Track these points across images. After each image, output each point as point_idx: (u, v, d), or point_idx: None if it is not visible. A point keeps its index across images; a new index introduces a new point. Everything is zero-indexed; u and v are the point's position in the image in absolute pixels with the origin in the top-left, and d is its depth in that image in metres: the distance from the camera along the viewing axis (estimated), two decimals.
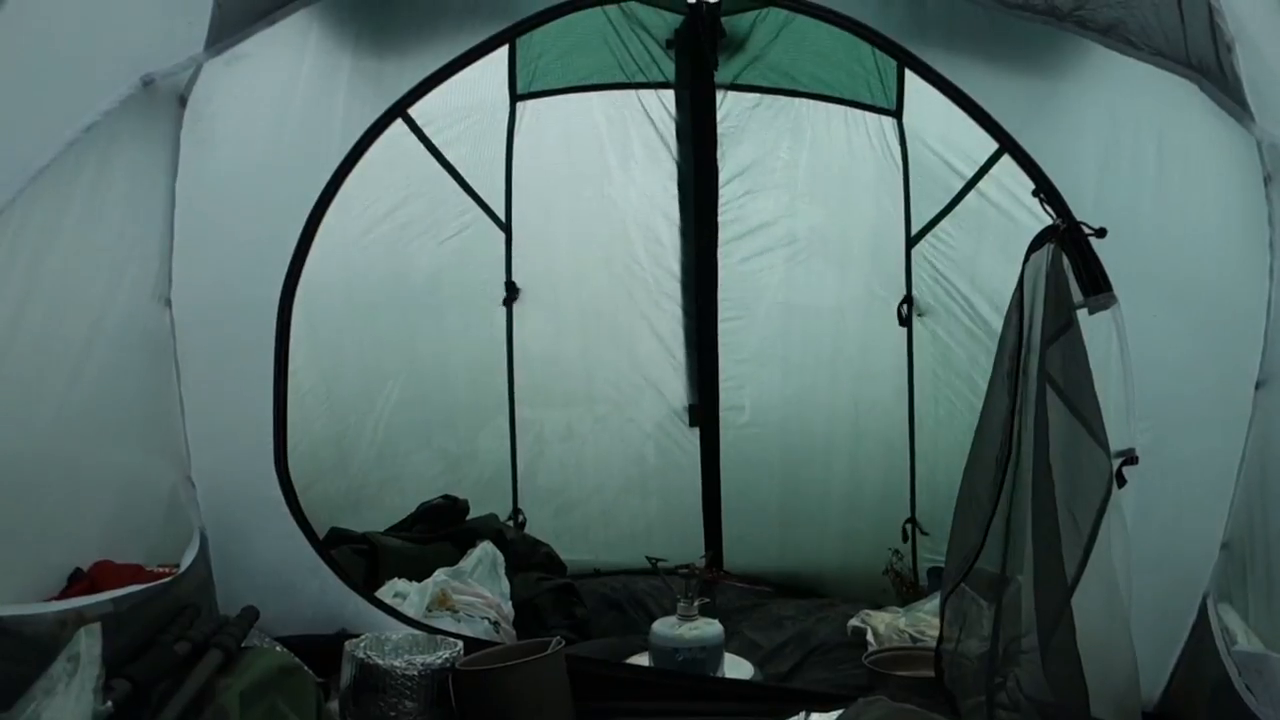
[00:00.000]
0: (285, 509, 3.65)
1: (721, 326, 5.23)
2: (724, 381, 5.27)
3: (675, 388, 5.33)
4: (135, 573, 3.16)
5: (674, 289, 5.26)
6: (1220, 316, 3.14)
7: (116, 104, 2.75)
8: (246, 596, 3.51)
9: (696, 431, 5.33)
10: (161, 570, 3.25)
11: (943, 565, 3.77)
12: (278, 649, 3.30)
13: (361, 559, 4.21)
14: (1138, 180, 3.19)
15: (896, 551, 5.13)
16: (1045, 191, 3.17)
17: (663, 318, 5.28)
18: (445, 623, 3.77)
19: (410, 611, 3.76)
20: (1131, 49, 2.76)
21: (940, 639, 3.53)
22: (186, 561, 3.35)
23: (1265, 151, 2.86)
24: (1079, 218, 3.01)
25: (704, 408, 5.29)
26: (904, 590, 4.98)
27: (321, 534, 4.07)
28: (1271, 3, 2.73)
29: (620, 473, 5.38)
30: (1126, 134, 3.21)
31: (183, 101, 3.30)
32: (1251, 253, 3.00)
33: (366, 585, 3.94)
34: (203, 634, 3.04)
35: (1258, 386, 3.07)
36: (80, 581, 3.03)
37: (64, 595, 2.93)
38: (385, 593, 3.92)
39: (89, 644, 2.49)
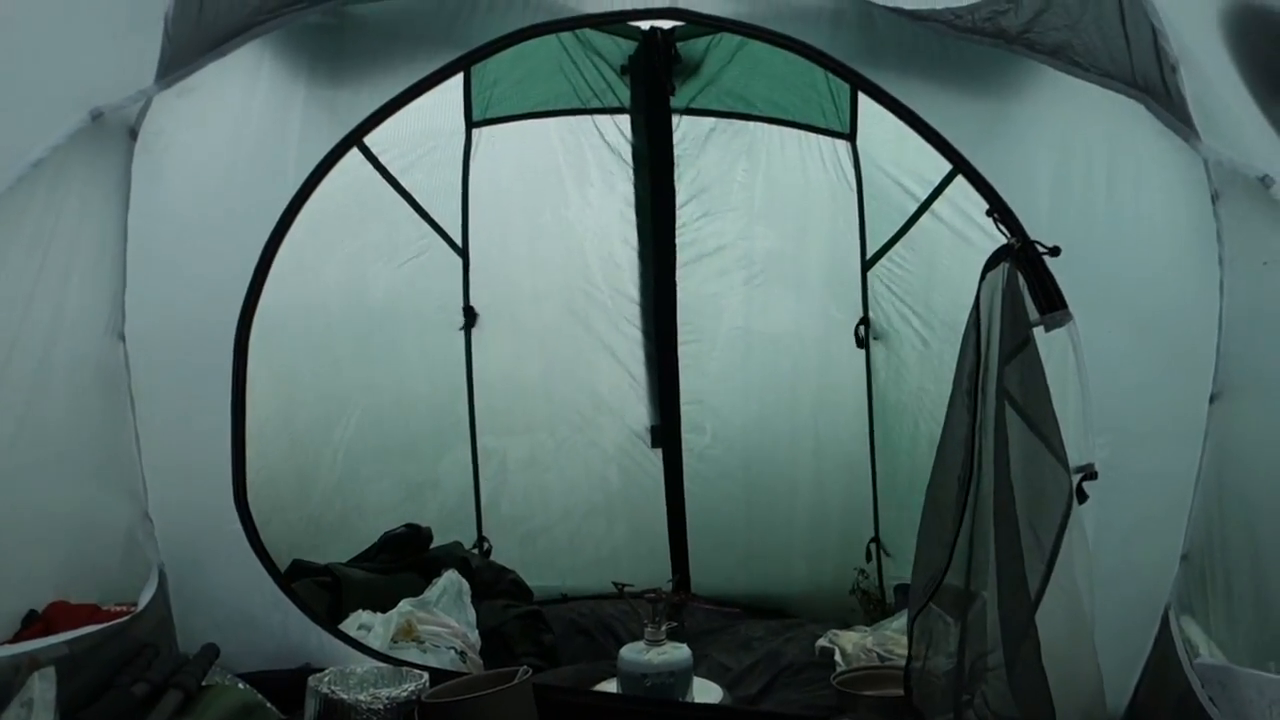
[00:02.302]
0: (245, 543, 3.60)
1: (681, 349, 5.25)
2: (685, 404, 5.29)
3: (636, 410, 5.33)
4: (91, 613, 3.12)
5: (633, 312, 5.27)
6: (1174, 331, 3.18)
7: (65, 139, 2.73)
8: (207, 633, 3.48)
9: (659, 453, 5.33)
10: (118, 609, 3.21)
11: (909, 582, 3.78)
12: (240, 686, 3.27)
13: (324, 591, 4.17)
14: (1089, 198, 3.23)
15: (862, 570, 5.14)
16: (999, 211, 3.20)
17: (622, 341, 5.28)
18: (411, 654, 3.73)
19: (375, 643, 3.72)
20: (1079, 70, 2.82)
21: (908, 658, 3.54)
22: (144, 600, 3.31)
23: (1212, 169, 2.92)
24: (1033, 237, 3.04)
25: (665, 429, 5.30)
26: (871, 609, 4.99)
27: (283, 567, 4.02)
28: (1212, 25, 2.79)
29: (584, 497, 5.36)
30: (1077, 153, 3.25)
31: (133, 134, 3.27)
32: (1202, 268, 3.05)
33: (330, 617, 3.90)
34: (161, 674, 3.00)
35: (1212, 400, 3.11)
36: (35, 624, 2.98)
37: (18, 639, 2.88)
38: (349, 625, 3.88)
39: (43, 689, 2.45)
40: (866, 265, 5.10)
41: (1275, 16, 2.78)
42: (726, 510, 5.33)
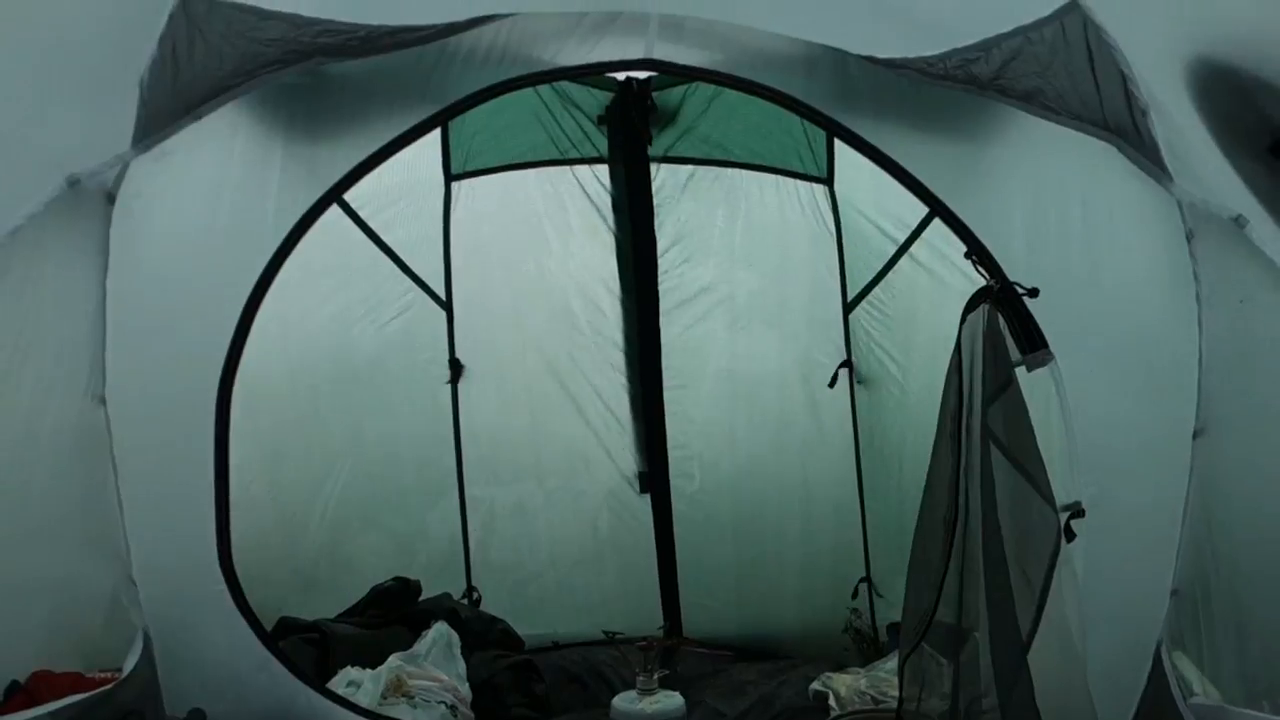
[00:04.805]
0: (230, 603, 3.55)
1: (667, 395, 5.24)
2: (672, 449, 5.27)
3: (624, 456, 5.32)
4: (75, 681, 3.07)
5: (618, 359, 5.27)
6: (1155, 368, 3.21)
7: (42, 206, 2.73)
8: (194, 696, 3.43)
9: (648, 499, 5.31)
10: (103, 676, 3.16)
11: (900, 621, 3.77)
12: None
13: (312, 648, 4.12)
14: (1066, 240, 3.26)
15: (855, 609, 5.11)
16: (977, 253, 3.22)
17: (608, 387, 5.28)
18: (401, 710, 3.71)
19: (364, 700, 3.68)
20: (1051, 114, 2.86)
21: (900, 700, 3.52)
22: (129, 665, 3.26)
23: (1185, 210, 2.95)
24: (1011, 278, 3.06)
25: (654, 474, 5.28)
26: (865, 648, 4.96)
27: (270, 625, 3.98)
28: (1177, 73, 2.84)
29: (574, 545, 5.34)
30: (1052, 196, 3.29)
31: (111, 199, 3.25)
32: (1180, 306, 3.09)
33: (318, 675, 3.86)
34: None
35: (1195, 435, 3.14)
36: (17, 695, 2.94)
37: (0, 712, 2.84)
38: (338, 682, 3.84)
39: None
40: (848, 308, 5.12)
41: (1235, 73, 2.83)
42: (716, 551, 5.31)
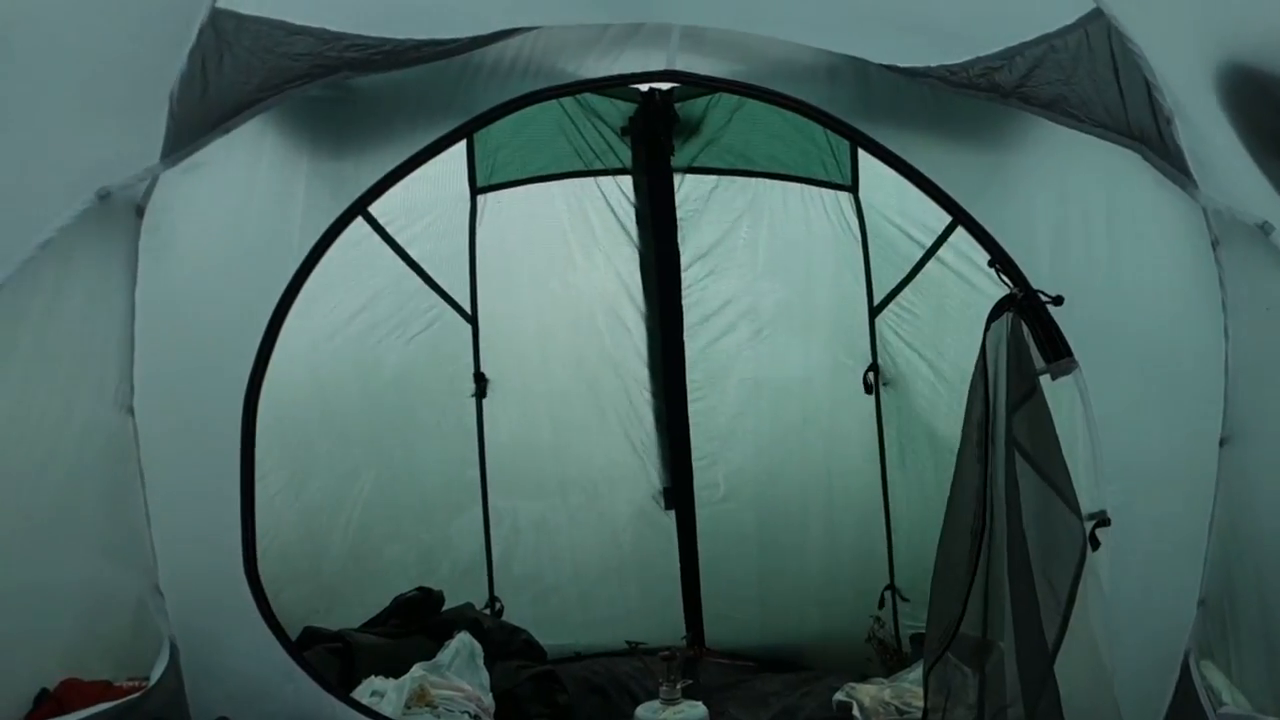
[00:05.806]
0: (256, 613, 3.57)
1: (691, 407, 5.23)
2: (697, 460, 5.26)
3: (649, 471, 5.31)
4: (103, 690, 3.11)
5: (642, 373, 5.26)
6: (1180, 376, 3.19)
7: (73, 219, 2.76)
8: (220, 706, 3.45)
9: (673, 514, 5.29)
10: (130, 685, 3.19)
11: (924, 631, 3.75)
12: None
13: (336, 658, 4.14)
14: (1090, 247, 3.25)
15: (878, 619, 5.09)
16: (1001, 261, 3.22)
17: (632, 402, 5.28)
18: (424, 719, 3.70)
19: (388, 710, 3.69)
20: (1074, 121, 2.86)
21: (925, 711, 3.51)
22: (156, 674, 3.29)
23: (1211, 217, 2.94)
24: (1036, 286, 3.06)
25: (678, 489, 5.27)
26: (888, 658, 4.94)
27: (295, 635, 4.00)
28: (1203, 80, 2.83)
29: (597, 559, 5.33)
30: (1075, 203, 3.27)
31: (140, 212, 3.27)
32: (1206, 314, 3.07)
33: (342, 684, 3.87)
34: None
35: (1222, 444, 3.12)
36: (46, 703, 2.97)
37: (30, 719, 2.86)
38: (362, 692, 3.86)
39: None
40: (874, 312, 5.11)
41: (1266, 79, 2.83)
42: (740, 562, 5.30)
